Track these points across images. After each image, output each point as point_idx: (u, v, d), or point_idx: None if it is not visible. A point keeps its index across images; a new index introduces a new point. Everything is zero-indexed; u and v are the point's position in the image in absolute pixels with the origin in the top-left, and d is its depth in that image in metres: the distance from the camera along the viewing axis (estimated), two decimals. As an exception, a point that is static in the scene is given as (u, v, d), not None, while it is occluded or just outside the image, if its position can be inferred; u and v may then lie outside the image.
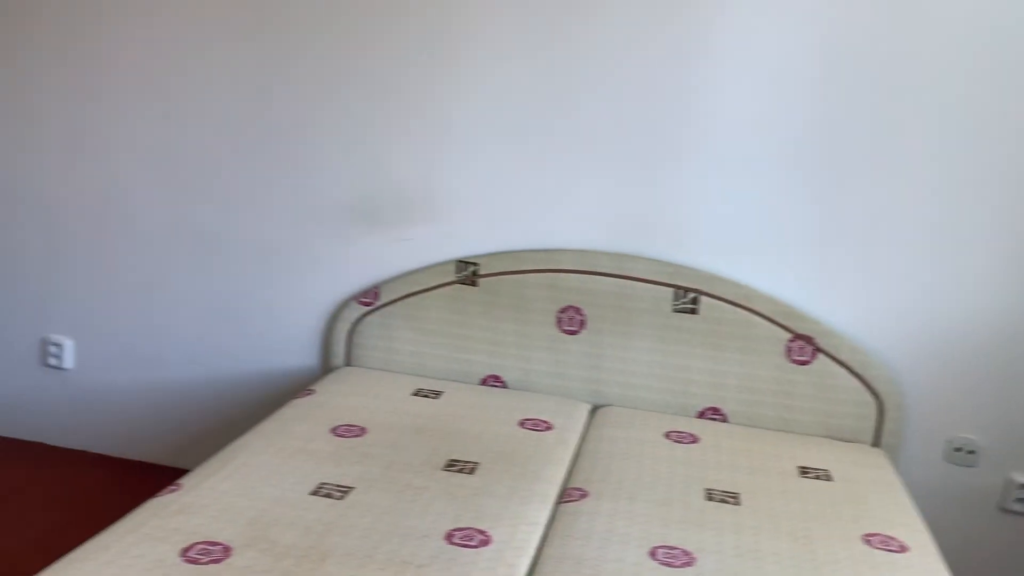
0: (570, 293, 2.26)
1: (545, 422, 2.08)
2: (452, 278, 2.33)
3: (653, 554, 1.51)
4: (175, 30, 2.37)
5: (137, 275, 2.54)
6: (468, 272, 2.32)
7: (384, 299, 2.37)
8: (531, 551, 1.52)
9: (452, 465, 1.80)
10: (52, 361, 2.65)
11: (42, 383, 2.67)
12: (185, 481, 1.64)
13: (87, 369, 2.64)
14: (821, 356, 2.14)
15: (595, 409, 2.27)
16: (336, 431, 1.93)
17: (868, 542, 1.62)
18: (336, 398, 2.12)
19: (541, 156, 2.26)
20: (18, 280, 2.62)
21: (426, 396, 2.20)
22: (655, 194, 2.23)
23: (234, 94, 2.37)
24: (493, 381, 2.34)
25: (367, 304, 2.38)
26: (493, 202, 2.30)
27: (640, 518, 1.64)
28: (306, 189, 2.39)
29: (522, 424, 2.06)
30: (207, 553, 1.39)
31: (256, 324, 2.50)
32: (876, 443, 2.14)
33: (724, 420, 2.21)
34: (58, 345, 2.63)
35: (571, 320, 2.27)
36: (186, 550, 1.39)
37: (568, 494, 1.75)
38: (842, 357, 2.13)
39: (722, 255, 2.22)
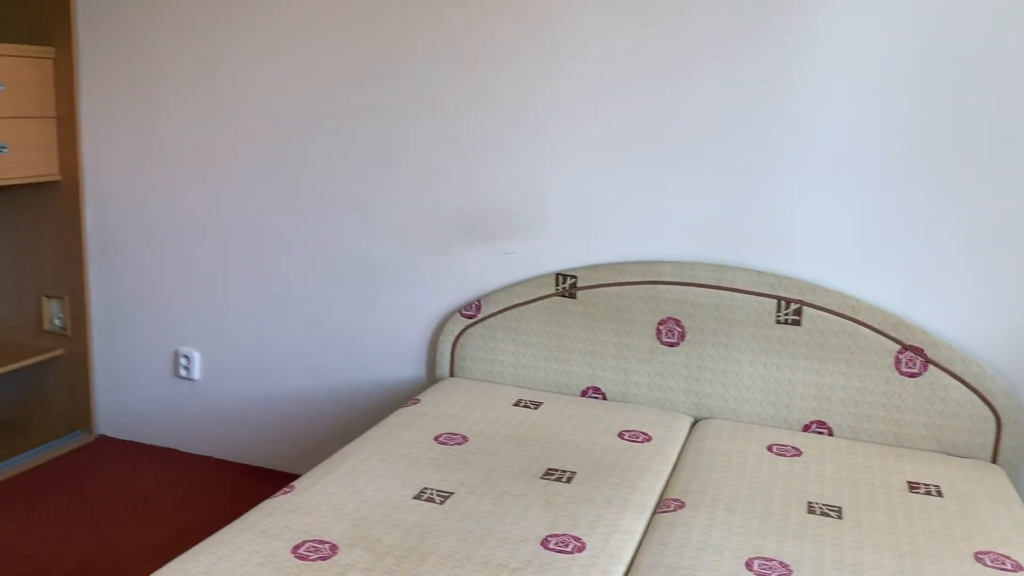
0: (669, 305, 2.27)
1: (644, 433, 2.09)
2: (551, 291, 2.37)
3: (749, 565, 1.50)
4: (292, 63, 2.53)
5: (257, 292, 2.70)
6: (567, 285, 2.36)
7: (486, 312, 2.44)
8: (625, 559, 1.54)
9: (550, 474, 1.84)
10: (183, 372, 2.84)
11: (174, 393, 2.88)
12: (298, 484, 1.74)
13: (213, 380, 2.82)
14: (932, 368, 2.07)
15: (696, 422, 2.26)
16: (439, 439, 2.00)
17: (980, 560, 1.56)
18: (440, 407, 2.20)
19: (639, 168, 2.28)
20: (154, 298, 2.83)
21: (526, 407, 2.24)
22: (755, 203, 2.21)
23: (345, 119, 2.50)
24: (593, 393, 2.36)
25: (470, 317, 2.45)
26: (591, 215, 2.34)
27: (737, 529, 1.63)
28: (411, 207, 2.49)
29: (621, 435, 2.07)
30: (315, 550, 1.48)
31: (366, 337, 2.61)
32: (994, 459, 2.04)
33: (830, 434, 2.16)
34: (188, 357, 2.83)
35: (670, 332, 2.28)
36: (296, 547, 1.48)
37: (664, 504, 1.76)
38: (955, 369, 2.05)
39: (826, 265, 2.18)
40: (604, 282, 2.32)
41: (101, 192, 2.82)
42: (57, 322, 2.92)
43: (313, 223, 2.60)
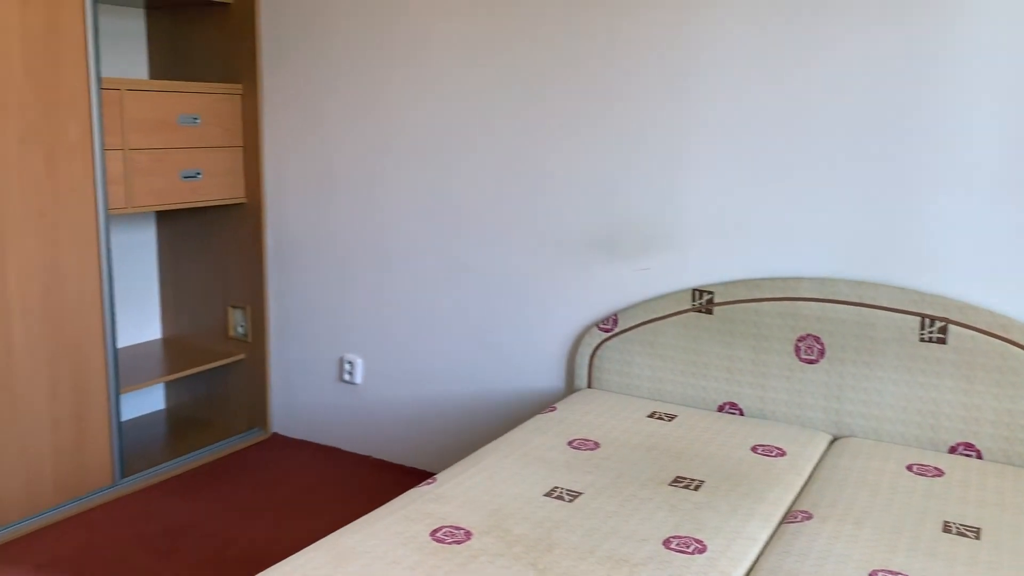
0: (808, 321, 2.26)
1: (779, 448, 2.10)
2: (688, 306, 2.42)
3: (872, 577, 1.50)
4: (444, 93, 2.73)
5: (414, 304, 2.91)
6: (703, 300, 2.40)
7: (622, 326, 2.52)
8: (746, 563, 1.57)
9: (678, 481, 1.89)
10: (346, 377, 3.10)
11: (338, 396, 3.13)
12: (440, 476, 1.89)
13: (372, 384, 3.05)
14: (1094, 391, 1.96)
15: (835, 440, 2.23)
16: (572, 444, 2.09)
17: None
18: (575, 415, 2.30)
19: (777, 182, 2.30)
20: (323, 309, 3.11)
21: (660, 419, 2.30)
22: (898, 218, 2.18)
23: (493, 143, 2.67)
24: (730, 408, 2.38)
25: (607, 330, 2.54)
26: (728, 231, 2.38)
27: (864, 542, 1.62)
28: (554, 224, 2.62)
29: (754, 449, 2.09)
30: (451, 535, 1.61)
31: (510, 347, 2.76)
32: None
33: (978, 456, 2.08)
34: (351, 363, 3.08)
35: (810, 349, 2.27)
36: (434, 531, 1.62)
37: (792, 515, 1.77)
38: (1120, 393, 1.93)
39: (974, 282, 2.11)
40: (741, 298, 2.35)
41: (280, 213, 3.13)
42: (240, 329, 3.26)
43: (464, 240, 2.78)
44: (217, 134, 3.00)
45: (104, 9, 3.06)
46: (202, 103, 2.93)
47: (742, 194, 2.35)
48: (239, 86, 3.06)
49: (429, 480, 1.88)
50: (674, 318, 2.44)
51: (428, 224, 2.84)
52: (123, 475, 2.82)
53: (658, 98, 2.41)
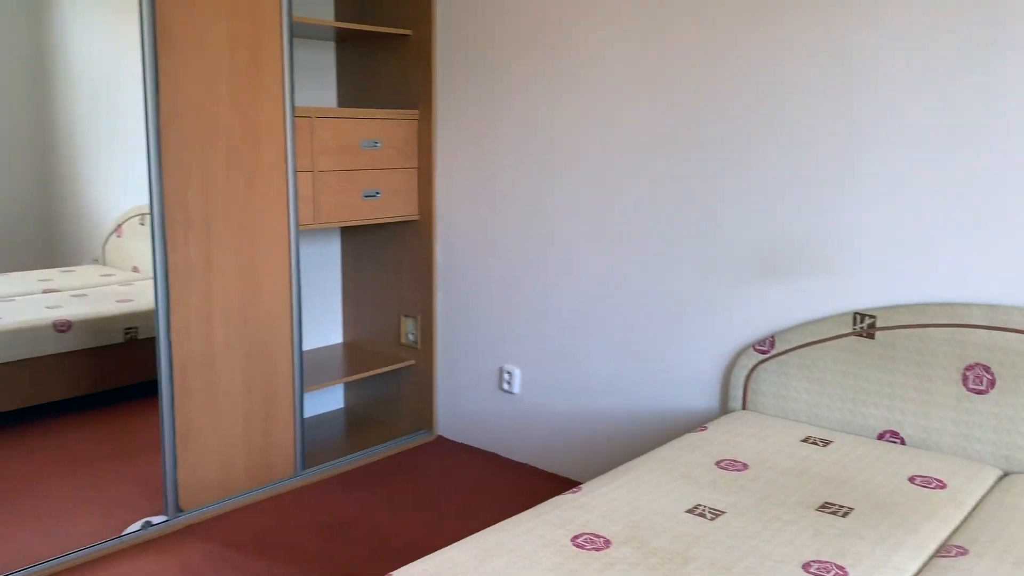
0: (978, 350, 2.16)
1: (939, 480, 2.02)
2: (848, 330, 2.37)
3: (1028, 620, 1.43)
4: (606, 121, 2.81)
5: (572, 318, 3.01)
6: (865, 325, 2.34)
7: (779, 348, 2.49)
8: (889, 594, 1.55)
9: (826, 507, 1.87)
10: (505, 386, 3.24)
11: (497, 404, 3.28)
12: (586, 486, 1.97)
13: (529, 394, 3.17)
14: None
15: (1005, 475, 2.12)
16: (720, 464, 2.11)
17: None
18: (726, 436, 2.30)
19: (947, 205, 2.21)
20: (485, 320, 3.27)
21: (815, 444, 2.26)
22: (1082, 246, 2.04)
23: (649, 165, 2.73)
24: (890, 437, 2.31)
25: (763, 352, 2.53)
26: (893, 254, 2.31)
27: (1023, 585, 1.55)
28: (711, 242, 2.63)
29: (912, 479, 2.03)
30: (591, 542, 1.69)
31: (664, 365, 2.79)
32: None
33: None
34: (510, 373, 3.21)
35: (978, 379, 2.16)
36: (575, 537, 1.70)
37: (945, 550, 1.71)
38: None
39: None
40: (905, 323, 2.27)
41: (449, 229, 3.33)
42: (411, 337, 3.48)
43: (622, 257, 2.85)
44: (395, 156, 3.23)
45: (299, 43, 3.38)
46: (382, 128, 3.17)
47: (909, 217, 2.27)
48: (416, 111, 3.28)
49: (575, 488, 1.96)
50: (834, 342, 2.40)
51: (588, 241, 2.93)
52: (303, 467, 3.09)
53: (823, 118, 2.38)
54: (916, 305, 2.27)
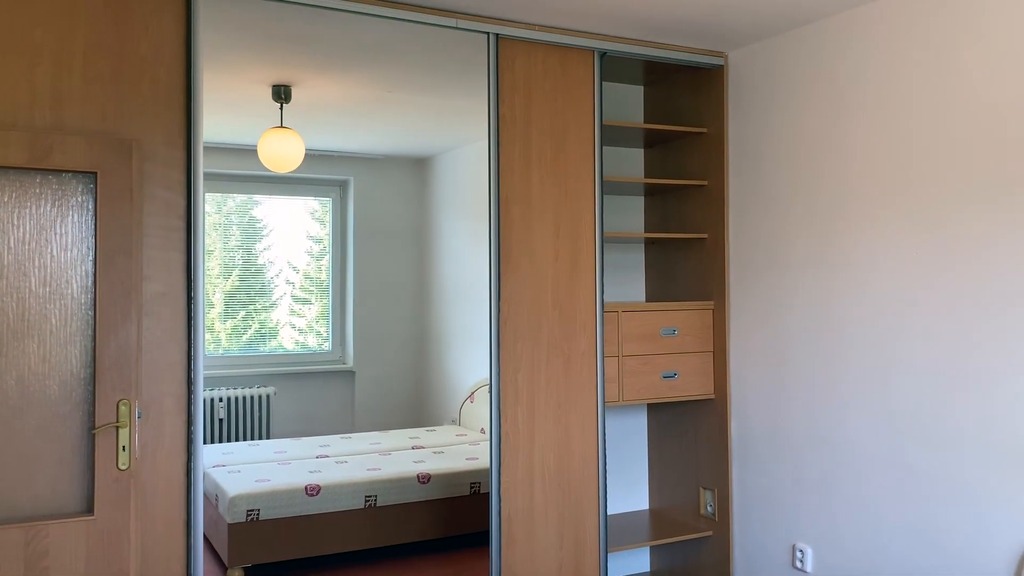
0: None
1: None
2: None
3: None
4: (887, 314, 3.01)
5: (860, 499, 3.10)
6: None
7: (1075, 544, 2.41)
8: None
9: None
10: (798, 564, 3.35)
11: (790, 581, 3.39)
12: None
13: (822, 574, 3.25)
14: None
15: None
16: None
17: None
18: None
19: None
20: (778, 496, 3.45)
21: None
22: None
23: (933, 350, 2.85)
24: None
25: (1057, 547, 2.45)
26: None
27: None
28: (1000, 432, 2.65)
29: None
30: None
31: (954, 556, 2.77)
32: None
33: None
34: (802, 551, 3.33)
35: None
36: None
37: None
38: None
39: None
40: None
41: (742, 408, 3.62)
42: (709, 508, 3.75)
43: (910, 443, 2.93)
44: (691, 342, 3.66)
45: (614, 248, 4.02)
46: (680, 318, 3.64)
47: None
48: (711, 303, 3.71)
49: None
50: None
51: (875, 425, 3.06)
52: (605, 620, 3.44)
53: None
54: None
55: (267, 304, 3.52)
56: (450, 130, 3.65)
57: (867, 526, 3.08)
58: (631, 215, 4.09)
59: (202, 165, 2.77)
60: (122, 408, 2.65)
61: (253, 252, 3.49)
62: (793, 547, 3.38)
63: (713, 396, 3.71)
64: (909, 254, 2.93)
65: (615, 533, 3.67)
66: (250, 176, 3.46)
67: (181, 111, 2.75)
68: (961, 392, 2.76)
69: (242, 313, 3.48)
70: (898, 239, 2.97)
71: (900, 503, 2.96)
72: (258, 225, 3.50)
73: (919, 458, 2.89)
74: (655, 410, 4.05)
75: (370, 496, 3.69)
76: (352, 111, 3.51)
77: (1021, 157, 2.59)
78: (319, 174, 3.55)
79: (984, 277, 2.70)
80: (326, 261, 3.60)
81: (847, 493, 3.16)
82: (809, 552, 3.31)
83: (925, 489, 2.87)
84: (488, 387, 3.32)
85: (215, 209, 3.42)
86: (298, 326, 3.58)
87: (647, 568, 4.07)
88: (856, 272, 3.13)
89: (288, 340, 3.56)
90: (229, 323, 3.46)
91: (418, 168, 3.69)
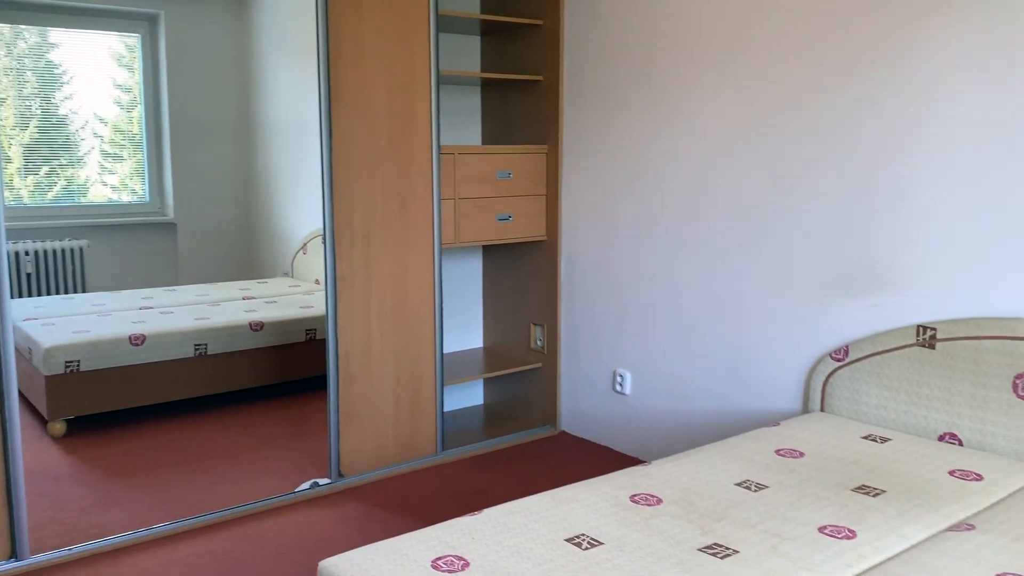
0: (1029, 361, 2.37)
1: (977, 474, 2.26)
2: (912, 341, 2.62)
3: (998, 578, 1.70)
4: (702, 145, 3.19)
5: (675, 328, 3.39)
6: (927, 336, 2.59)
7: (853, 356, 2.77)
8: (887, 553, 1.85)
9: (861, 488, 2.17)
10: (618, 388, 3.65)
11: (611, 403, 3.70)
12: (655, 462, 2.37)
13: (638, 395, 3.57)
14: None
15: (1050, 476, 2.31)
16: (779, 452, 2.44)
17: None
18: (793, 431, 2.62)
19: (998, 228, 2.44)
20: (601, 328, 3.70)
21: (874, 441, 2.54)
22: (1123, 266, 2.22)
23: (734, 189, 3.08)
24: (949, 439, 2.54)
25: (838, 360, 2.81)
26: (953, 273, 2.55)
27: (1012, 554, 1.81)
28: (794, 262, 2.95)
29: (952, 472, 2.28)
30: (645, 499, 2.09)
31: (753, 371, 3.12)
32: None
33: None
34: (622, 376, 3.62)
35: (1030, 387, 2.37)
36: (633, 495, 2.11)
37: (955, 526, 1.98)
38: None
39: None
40: (962, 335, 2.51)
41: (572, 247, 3.79)
42: (539, 343, 3.96)
43: (719, 276, 3.21)
44: (525, 185, 3.74)
45: (451, 90, 3.97)
46: (515, 161, 3.69)
47: (967, 239, 2.51)
48: (544, 146, 3.78)
49: (643, 463, 2.36)
50: (899, 351, 2.66)
51: (690, 262, 3.31)
52: (443, 448, 3.63)
53: (893, 146, 2.66)
54: (972, 319, 2.50)
55: (74, 159, 3.25)
56: (273, -44, 3.40)
57: (681, 352, 3.38)
58: (468, 56, 4.02)
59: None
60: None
61: (53, 102, 3.17)
62: (614, 373, 3.67)
63: (545, 237, 3.85)
64: (729, 109, 3.10)
65: (451, 369, 3.82)
66: (42, 4, 3.10)
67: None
68: (764, 225, 3.02)
69: (45, 168, 3.20)
70: (724, 93, 3.12)
71: (711, 330, 3.26)
72: (56, 71, 3.17)
73: (728, 288, 3.18)
74: (490, 252, 4.16)
75: (199, 345, 3.62)
76: (161, -72, 3.18)
77: (825, 27, 2.76)
78: (123, 5, 3.24)
79: (777, 134, 2.91)
80: (137, 112, 3.33)
81: (665, 323, 3.43)
82: (628, 376, 3.60)
83: (733, 315, 3.17)
84: (322, 236, 3.28)
85: (4, 52, 3.06)
86: (110, 183, 3.33)
87: (481, 401, 4.30)
88: (683, 118, 3.28)
89: (100, 197, 3.32)
90: (31, 179, 3.17)
91: (239, -3, 3.44)
